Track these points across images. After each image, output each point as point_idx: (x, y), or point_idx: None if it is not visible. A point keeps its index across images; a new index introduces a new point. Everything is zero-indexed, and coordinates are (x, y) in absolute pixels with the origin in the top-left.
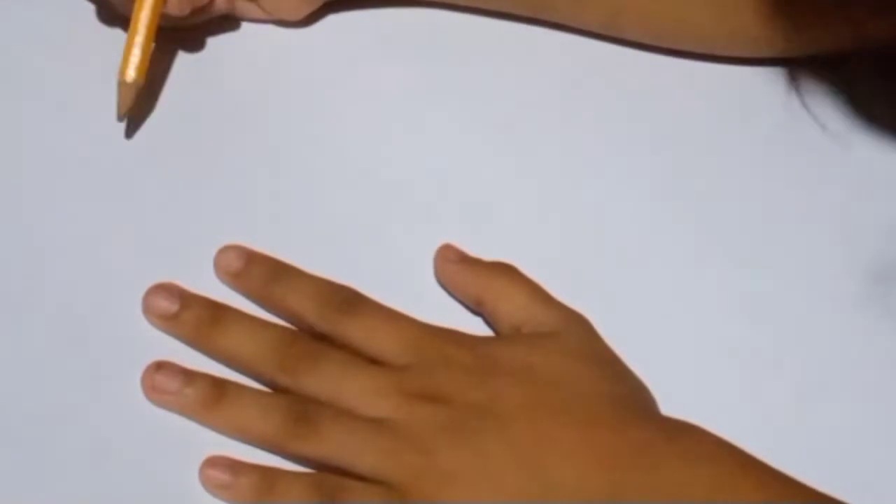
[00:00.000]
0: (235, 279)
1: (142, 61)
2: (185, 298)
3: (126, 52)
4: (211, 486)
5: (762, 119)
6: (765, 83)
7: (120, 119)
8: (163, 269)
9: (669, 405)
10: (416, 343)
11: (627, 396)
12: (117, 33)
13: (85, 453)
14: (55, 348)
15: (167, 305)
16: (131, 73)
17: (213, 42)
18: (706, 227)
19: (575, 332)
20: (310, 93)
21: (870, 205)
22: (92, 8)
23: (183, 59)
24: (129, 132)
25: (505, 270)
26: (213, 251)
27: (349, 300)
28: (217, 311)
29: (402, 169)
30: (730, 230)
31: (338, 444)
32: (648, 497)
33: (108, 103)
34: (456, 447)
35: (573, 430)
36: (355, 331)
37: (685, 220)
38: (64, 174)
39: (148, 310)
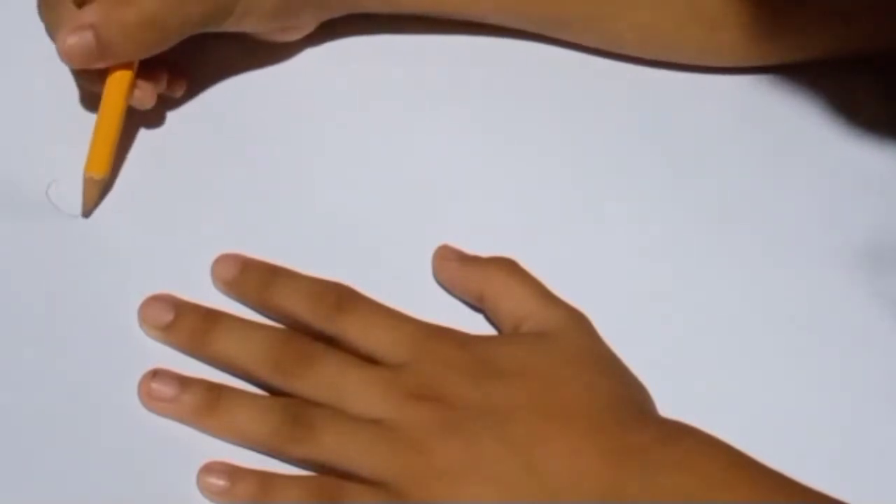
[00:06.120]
0: (231, 287)
1: (108, 157)
2: (180, 307)
3: (92, 148)
4: (209, 492)
5: (759, 121)
6: (758, 88)
7: (85, 216)
8: (161, 280)
9: (668, 405)
10: (413, 341)
11: (625, 398)
12: None
13: (83, 461)
14: (53, 358)
15: (162, 315)
16: (98, 170)
17: (211, 53)
18: (705, 228)
19: (575, 331)
20: (305, 96)
21: (861, 203)
22: None
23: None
24: (125, 144)
25: (506, 265)
26: (211, 260)
27: (344, 297)
28: (211, 318)
29: (400, 170)
30: (727, 231)
31: (335, 447)
32: (644, 498)
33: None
34: (454, 447)
35: (571, 432)
36: (351, 328)
37: (683, 221)
38: (60, 183)
39: (144, 321)
